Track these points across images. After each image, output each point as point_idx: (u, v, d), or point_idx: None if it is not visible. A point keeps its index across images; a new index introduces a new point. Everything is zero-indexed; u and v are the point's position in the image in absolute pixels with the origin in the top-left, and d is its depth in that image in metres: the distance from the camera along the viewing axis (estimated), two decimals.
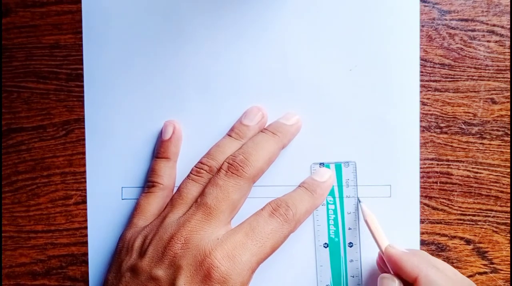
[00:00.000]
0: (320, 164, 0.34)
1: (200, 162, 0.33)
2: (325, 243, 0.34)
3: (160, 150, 0.34)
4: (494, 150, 0.34)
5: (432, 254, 0.34)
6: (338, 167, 0.34)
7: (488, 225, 0.34)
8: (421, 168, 0.34)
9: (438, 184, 0.34)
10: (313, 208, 0.32)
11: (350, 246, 0.34)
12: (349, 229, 0.34)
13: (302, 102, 0.34)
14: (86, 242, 0.35)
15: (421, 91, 0.34)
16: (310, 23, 0.34)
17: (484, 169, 0.34)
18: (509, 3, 0.34)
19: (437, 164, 0.34)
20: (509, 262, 0.34)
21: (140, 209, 0.33)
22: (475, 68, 0.34)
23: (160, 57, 0.35)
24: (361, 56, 0.34)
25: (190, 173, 0.33)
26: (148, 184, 0.34)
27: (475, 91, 0.34)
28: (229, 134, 0.34)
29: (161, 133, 0.35)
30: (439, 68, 0.34)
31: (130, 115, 0.35)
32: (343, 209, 0.34)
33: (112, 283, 0.30)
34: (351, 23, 0.34)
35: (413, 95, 0.34)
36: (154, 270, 0.29)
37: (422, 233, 0.34)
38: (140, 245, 0.30)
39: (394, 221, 0.34)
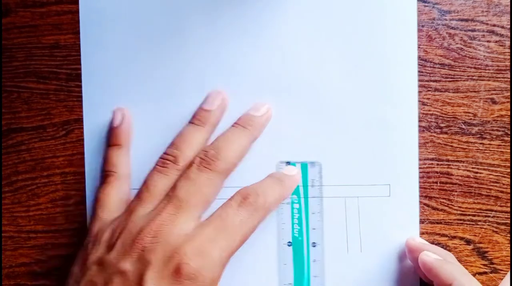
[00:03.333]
0: (287, 162, 0.34)
1: (165, 153, 0.33)
2: (289, 242, 0.34)
3: (111, 137, 0.34)
4: (494, 150, 0.34)
5: None
6: (304, 167, 0.34)
7: (488, 225, 0.34)
8: (421, 168, 0.34)
9: (438, 184, 0.34)
10: (281, 197, 0.32)
11: (314, 246, 0.34)
12: (313, 229, 0.34)
13: (301, 102, 0.34)
14: None
15: (421, 91, 0.34)
16: (308, 23, 0.34)
17: (484, 169, 0.34)
18: (509, 3, 0.34)
19: (437, 164, 0.34)
20: (509, 262, 0.34)
21: (101, 202, 0.32)
22: (475, 68, 0.34)
23: (159, 56, 0.35)
24: (359, 56, 0.34)
25: (156, 164, 0.33)
26: (104, 173, 0.34)
27: (475, 91, 0.34)
28: (191, 122, 0.34)
29: (111, 122, 0.34)
30: (439, 68, 0.34)
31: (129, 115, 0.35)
32: (307, 209, 0.34)
33: (78, 275, 0.29)
34: (348, 23, 0.34)
35: (412, 95, 0.34)
36: (122, 263, 0.28)
37: (422, 233, 0.34)
38: (108, 238, 0.30)
39: (394, 221, 0.34)
